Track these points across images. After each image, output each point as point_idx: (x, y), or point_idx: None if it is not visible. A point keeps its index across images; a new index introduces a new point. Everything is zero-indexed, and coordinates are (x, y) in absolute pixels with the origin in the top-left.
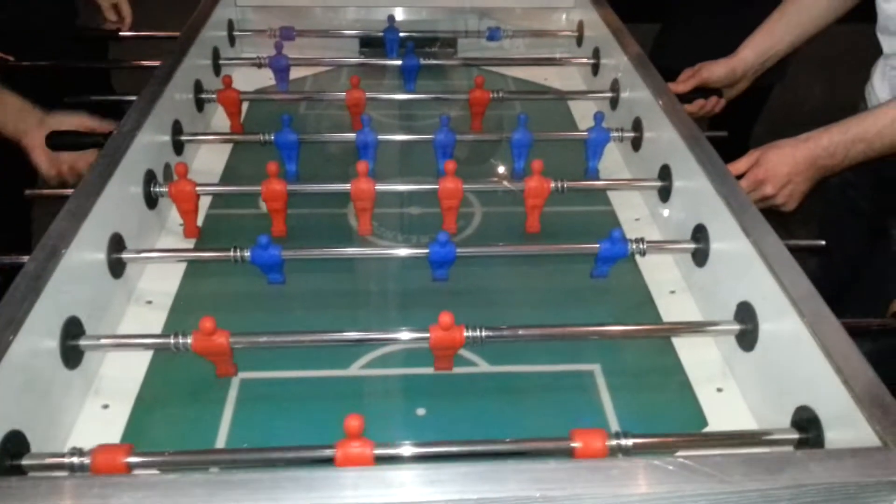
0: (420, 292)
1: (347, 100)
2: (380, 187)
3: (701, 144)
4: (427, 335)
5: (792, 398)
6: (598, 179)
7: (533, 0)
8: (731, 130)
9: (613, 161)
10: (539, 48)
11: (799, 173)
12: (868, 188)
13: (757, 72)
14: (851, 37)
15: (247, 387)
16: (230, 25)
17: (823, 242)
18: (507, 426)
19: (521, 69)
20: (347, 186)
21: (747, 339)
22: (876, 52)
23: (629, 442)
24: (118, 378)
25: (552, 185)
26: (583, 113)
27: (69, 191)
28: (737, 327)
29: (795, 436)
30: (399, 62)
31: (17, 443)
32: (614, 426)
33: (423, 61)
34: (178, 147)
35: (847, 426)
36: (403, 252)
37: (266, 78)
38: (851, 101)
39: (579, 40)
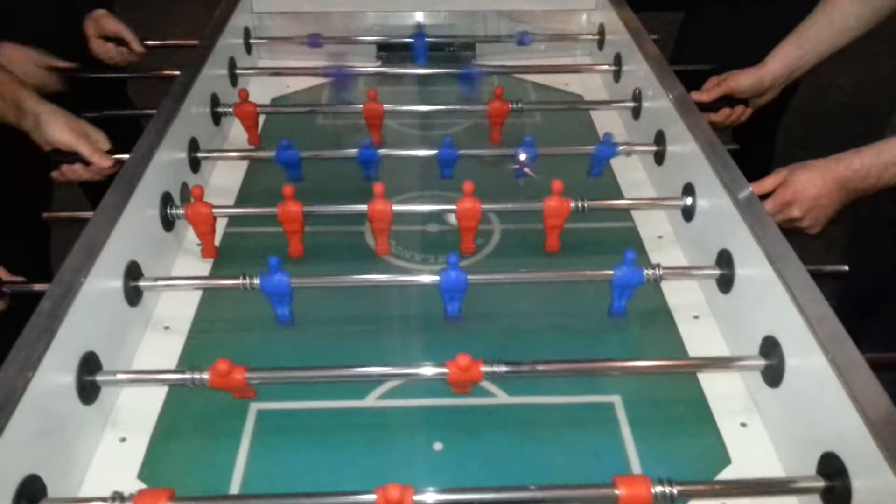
0: (434, 317)
1: (365, 112)
2: (397, 208)
3: (725, 162)
4: (445, 370)
5: (818, 442)
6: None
7: (553, 2)
8: (756, 125)
9: (637, 175)
10: (560, 51)
11: (827, 195)
12: None
13: (785, 82)
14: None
15: (263, 418)
16: (246, 33)
17: (846, 268)
18: (525, 460)
19: (541, 74)
20: (364, 207)
21: (773, 374)
22: None
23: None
24: (135, 410)
25: (572, 204)
26: (604, 122)
27: (87, 214)
28: (762, 363)
29: (822, 484)
30: (422, 71)
31: (33, 488)
32: (635, 460)
33: (440, 70)
34: (195, 165)
35: (875, 478)
36: (417, 279)
37: (283, 86)
38: (882, 90)
39: (600, 43)
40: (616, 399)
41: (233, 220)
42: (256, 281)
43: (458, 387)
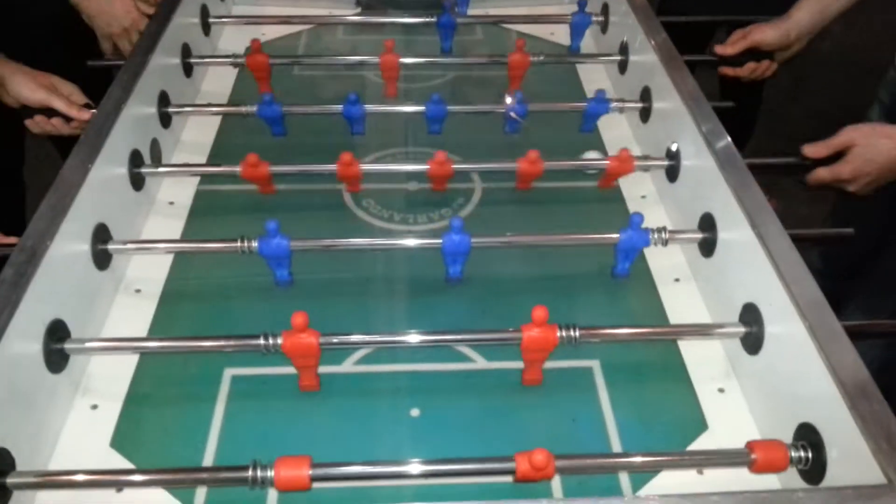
0: (427, 280)
1: (381, 64)
2: (375, 167)
3: (709, 120)
4: (519, 335)
5: (796, 411)
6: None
7: None
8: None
9: (621, 131)
10: (545, 0)
11: (889, 172)
12: None
13: (811, 34)
14: None
15: (237, 383)
16: None
17: (852, 231)
18: (503, 426)
19: (526, 24)
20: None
21: (752, 341)
22: None
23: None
24: (107, 376)
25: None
26: (590, 75)
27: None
28: (742, 330)
29: (800, 454)
30: (405, 20)
31: (1, 461)
32: (612, 425)
33: (422, 19)
34: (166, 120)
35: (850, 454)
36: (415, 242)
37: (259, 34)
38: (874, 42)
39: None
40: (595, 364)
41: (205, 177)
42: (255, 244)
43: (531, 367)
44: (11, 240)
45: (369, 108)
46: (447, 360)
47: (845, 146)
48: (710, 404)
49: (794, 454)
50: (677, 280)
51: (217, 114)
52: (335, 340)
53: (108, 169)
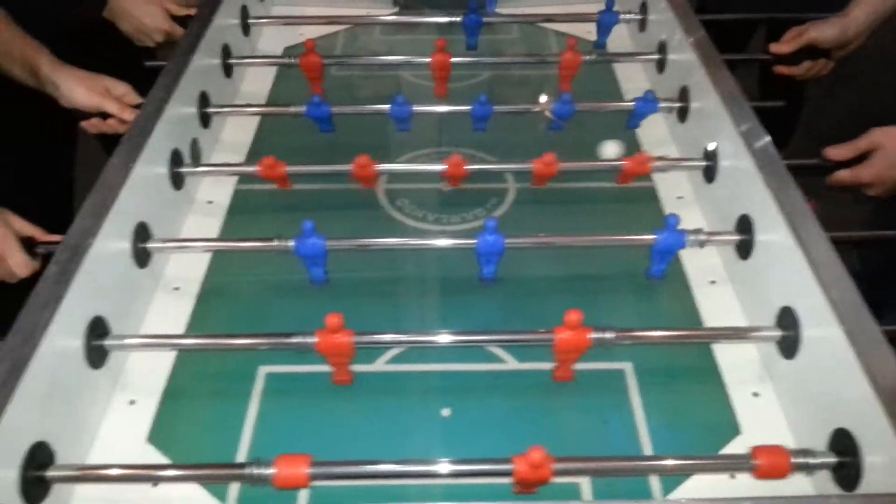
0: (459, 280)
1: (433, 64)
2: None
3: (749, 121)
4: (551, 337)
5: (831, 417)
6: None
7: None
8: (784, 99)
9: (659, 131)
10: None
11: None
12: None
13: (869, 30)
14: None
15: (271, 380)
16: None
17: (894, 233)
18: (533, 426)
19: (564, 24)
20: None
21: (788, 345)
22: None
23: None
24: (144, 372)
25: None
26: (627, 73)
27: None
28: (778, 334)
29: (833, 460)
30: (441, 19)
31: (41, 454)
32: (643, 428)
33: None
34: (206, 120)
35: (888, 462)
36: (448, 243)
37: (297, 35)
38: None
39: None
40: (627, 366)
41: (243, 177)
42: (291, 243)
43: (563, 366)
44: (55, 237)
45: (416, 108)
46: (478, 361)
47: (870, 149)
48: (743, 408)
49: (795, 461)
50: (713, 282)
51: (258, 114)
52: (367, 339)
53: (150, 168)
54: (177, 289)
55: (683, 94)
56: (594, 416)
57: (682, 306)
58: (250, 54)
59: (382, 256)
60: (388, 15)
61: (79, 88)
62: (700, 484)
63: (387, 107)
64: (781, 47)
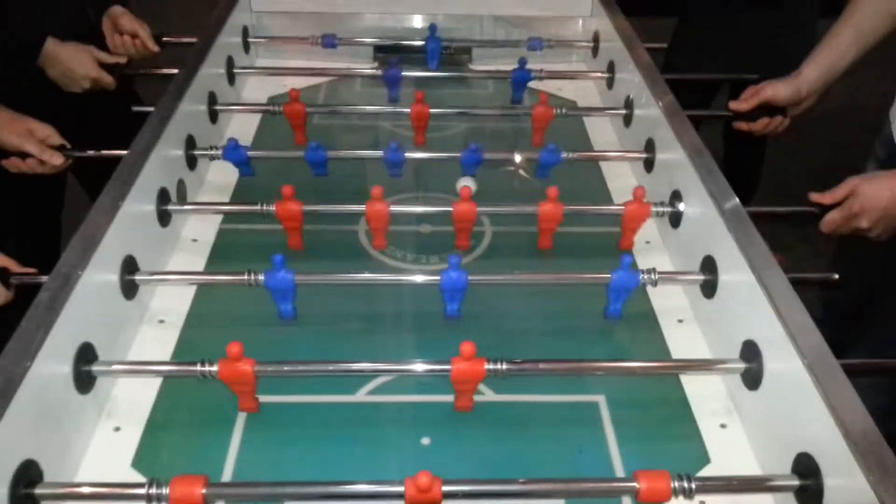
0: (431, 316)
1: (412, 114)
2: (394, 209)
3: (711, 170)
4: (448, 367)
5: (794, 443)
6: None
7: (549, 9)
8: (747, 154)
9: (627, 181)
10: (555, 57)
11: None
12: None
13: (821, 89)
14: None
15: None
16: (245, 32)
17: (837, 276)
18: (510, 456)
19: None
20: (362, 207)
21: (752, 377)
22: None
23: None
24: (130, 401)
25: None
26: (596, 127)
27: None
28: (742, 366)
29: (796, 482)
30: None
31: (30, 472)
32: (616, 458)
33: (438, 73)
34: (192, 162)
35: (847, 480)
36: (416, 279)
37: (280, 86)
38: (871, 101)
39: (595, 51)
40: (601, 399)
41: (227, 216)
42: (261, 277)
43: (462, 396)
44: (28, 270)
45: (407, 155)
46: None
47: (850, 192)
48: (712, 439)
49: (676, 485)
50: (681, 321)
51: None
52: (270, 369)
53: (138, 204)
54: (161, 322)
55: (649, 146)
56: (570, 446)
57: (652, 343)
58: (235, 101)
59: (359, 293)
60: (368, 68)
61: (2, 130)
62: None
63: (379, 153)
64: (740, 105)
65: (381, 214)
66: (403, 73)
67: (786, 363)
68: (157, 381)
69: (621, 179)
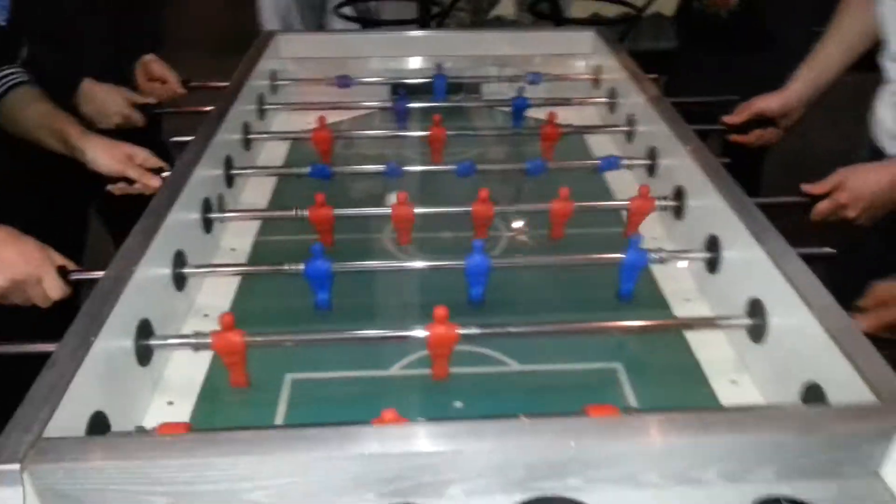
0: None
1: (430, 137)
2: (417, 210)
3: (715, 168)
4: (426, 333)
5: (797, 374)
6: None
7: (553, 48)
8: (743, 164)
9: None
10: (559, 92)
11: (881, 195)
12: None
13: (809, 101)
14: (856, 86)
15: (297, 386)
16: (272, 75)
17: (834, 251)
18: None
19: (541, 110)
20: (388, 210)
21: (757, 331)
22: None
23: None
24: (182, 378)
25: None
26: (600, 145)
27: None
28: (748, 321)
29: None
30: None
31: (100, 423)
32: None
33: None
34: (230, 180)
35: (849, 393)
36: (443, 263)
37: (304, 122)
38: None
39: (596, 83)
40: (618, 366)
41: (263, 227)
42: (301, 266)
43: (438, 362)
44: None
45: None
46: (486, 365)
47: (837, 183)
48: (725, 395)
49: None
50: (688, 300)
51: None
52: (261, 340)
53: (186, 210)
54: (206, 315)
55: (651, 153)
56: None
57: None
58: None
59: (387, 284)
60: (381, 102)
61: (103, 156)
62: None
63: (381, 167)
64: (733, 118)
65: (406, 216)
66: (416, 106)
67: (789, 315)
68: (206, 361)
69: (625, 182)
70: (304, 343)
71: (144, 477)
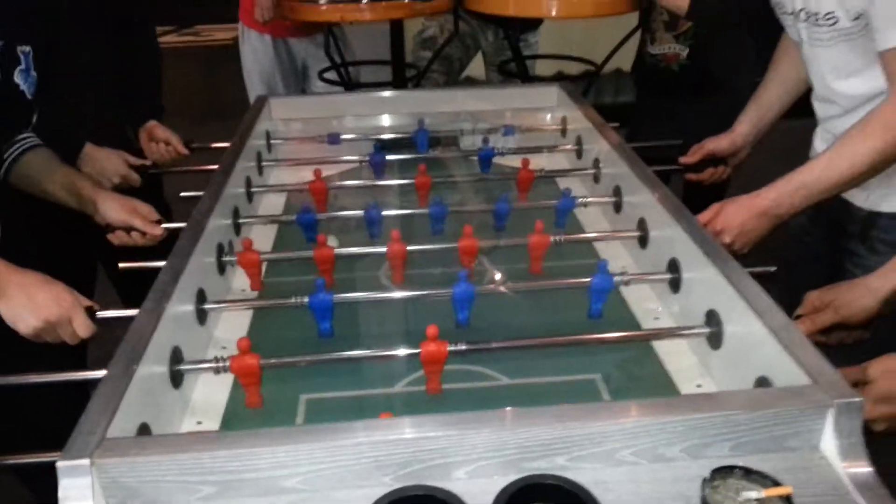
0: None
1: (416, 184)
2: (410, 248)
3: (674, 203)
4: (418, 350)
5: (753, 373)
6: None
7: (521, 102)
8: (704, 202)
9: (599, 224)
10: (529, 141)
11: (750, 222)
12: (823, 233)
13: (755, 139)
14: (803, 131)
15: (312, 405)
16: (267, 135)
17: (774, 269)
18: None
19: (514, 158)
20: (384, 249)
21: (715, 339)
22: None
23: None
24: (208, 401)
25: (552, 238)
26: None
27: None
28: (706, 330)
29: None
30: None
31: (146, 433)
32: None
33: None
34: (237, 228)
35: (791, 380)
36: (433, 292)
37: (298, 176)
38: None
39: (563, 132)
40: (597, 376)
41: (269, 269)
42: (305, 299)
43: (432, 378)
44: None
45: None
46: (478, 380)
47: (715, 213)
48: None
49: None
50: (656, 319)
51: (275, 222)
52: (273, 362)
53: (204, 254)
54: (224, 348)
55: (617, 192)
56: None
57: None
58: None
59: (384, 314)
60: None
61: (113, 206)
62: None
63: (360, 212)
64: (688, 159)
65: (400, 252)
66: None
67: (740, 323)
68: (228, 385)
69: (592, 217)
70: (312, 363)
71: (196, 468)
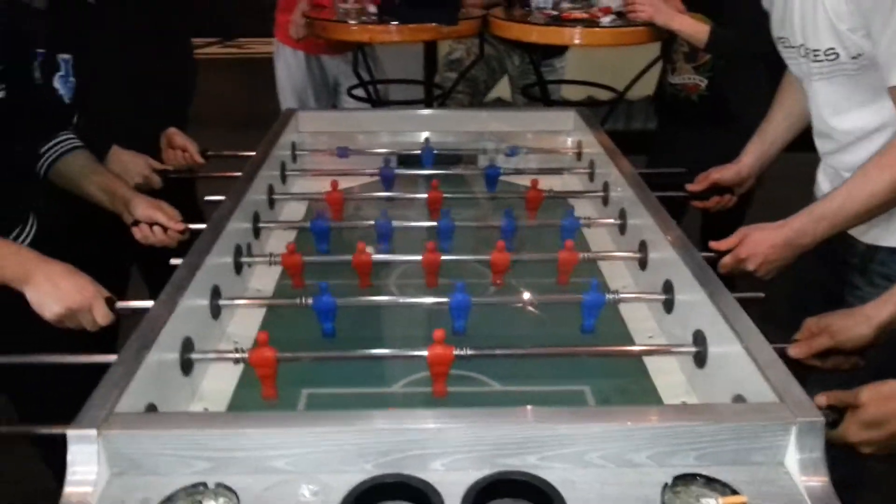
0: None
1: (428, 199)
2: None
3: (668, 224)
4: (425, 353)
5: (731, 391)
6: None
7: (539, 125)
8: (724, 228)
9: (604, 242)
10: (545, 163)
11: (774, 253)
12: (826, 264)
13: (760, 170)
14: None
15: (313, 399)
16: (293, 146)
17: (763, 294)
18: None
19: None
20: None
21: (700, 358)
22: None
23: None
24: (215, 390)
25: (580, 255)
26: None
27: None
28: (693, 349)
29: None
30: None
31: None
32: None
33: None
34: (257, 232)
35: (762, 398)
36: (432, 300)
37: (319, 186)
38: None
39: (578, 155)
40: (586, 388)
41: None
42: (310, 300)
43: (438, 381)
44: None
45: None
46: (473, 385)
47: (739, 239)
48: None
49: None
50: (651, 337)
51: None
52: (287, 356)
53: (221, 254)
54: (236, 342)
55: (622, 214)
56: None
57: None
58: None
59: (386, 319)
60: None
61: (142, 203)
62: None
63: (371, 222)
64: (694, 187)
65: (431, 261)
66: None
67: (723, 343)
68: (235, 377)
69: (598, 237)
70: (325, 359)
71: (191, 444)
